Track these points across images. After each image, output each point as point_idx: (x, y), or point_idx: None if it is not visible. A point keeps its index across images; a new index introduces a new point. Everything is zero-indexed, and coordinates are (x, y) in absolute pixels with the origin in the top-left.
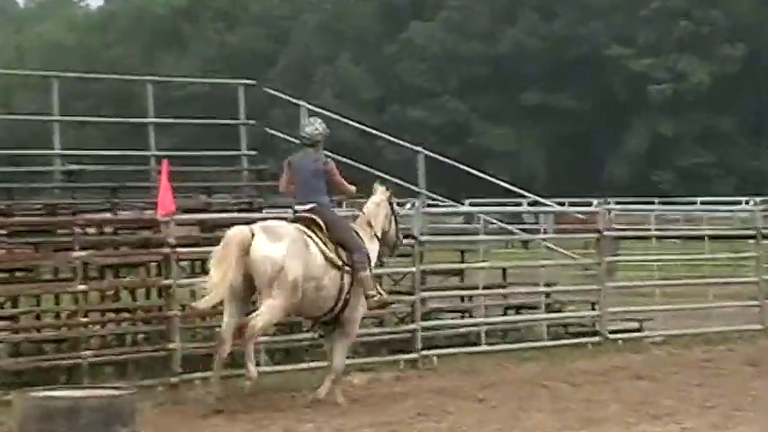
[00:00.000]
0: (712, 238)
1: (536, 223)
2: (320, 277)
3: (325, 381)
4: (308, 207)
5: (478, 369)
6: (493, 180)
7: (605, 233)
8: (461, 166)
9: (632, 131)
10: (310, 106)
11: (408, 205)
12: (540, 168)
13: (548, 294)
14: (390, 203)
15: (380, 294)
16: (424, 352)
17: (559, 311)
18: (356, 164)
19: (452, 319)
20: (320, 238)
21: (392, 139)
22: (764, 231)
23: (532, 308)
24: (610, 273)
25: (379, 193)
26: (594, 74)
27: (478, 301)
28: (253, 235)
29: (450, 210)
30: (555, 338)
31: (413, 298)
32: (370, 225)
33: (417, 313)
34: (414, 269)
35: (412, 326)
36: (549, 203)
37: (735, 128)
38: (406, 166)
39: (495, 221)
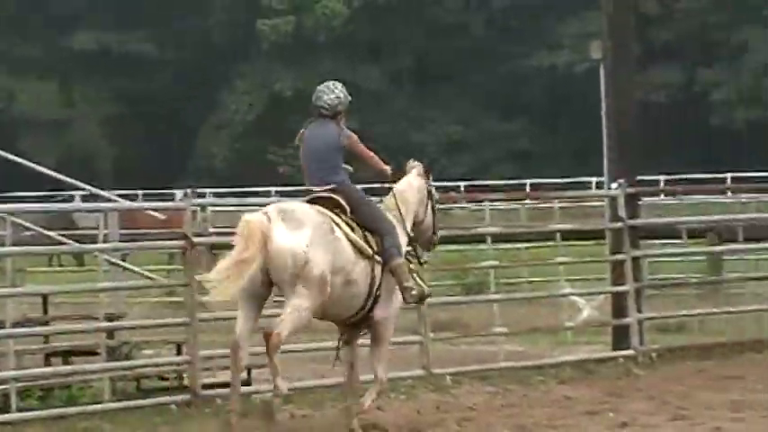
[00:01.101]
0: None
1: (96, 227)
2: (349, 269)
3: (367, 394)
4: (327, 188)
5: None
6: (26, 164)
7: (196, 240)
8: None
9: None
10: None
11: None
12: (102, 146)
13: (111, 332)
14: (429, 188)
15: (420, 286)
16: None
17: (128, 358)
18: None
19: None
20: (345, 222)
21: None
22: None
23: (88, 353)
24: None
25: (414, 173)
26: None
27: (5, 344)
28: (270, 220)
29: None
30: (123, 398)
31: None
32: (398, 209)
33: None
34: None
35: None
36: (113, 197)
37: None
38: None
39: (31, 226)
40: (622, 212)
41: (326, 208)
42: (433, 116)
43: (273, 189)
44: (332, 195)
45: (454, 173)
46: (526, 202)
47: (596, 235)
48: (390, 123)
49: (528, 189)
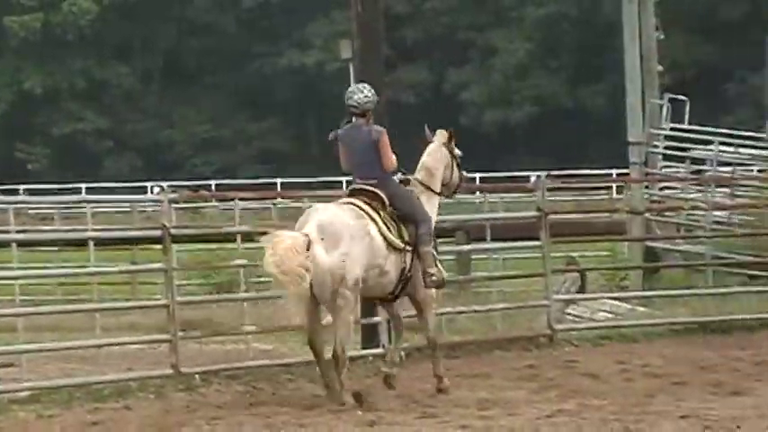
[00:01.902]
0: (103, 242)
1: None
2: (382, 263)
3: (432, 357)
4: (370, 181)
5: None
6: None
7: None
8: None
9: None
10: None
11: None
12: None
13: None
14: (450, 150)
15: (441, 273)
16: None
17: None
18: None
19: None
20: (381, 218)
21: None
22: (176, 231)
23: None
24: None
25: (437, 143)
26: None
27: None
28: (309, 243)
29: None
30: None
31: None
32: (427, 187)
33: None
34: None
35: None
36: None
37: None
38: None
39: None
40: None
41: (365, 202)
42: (184, 115)
43: (22, 187)
44: (373, 189)
45: (205, 171)
46: (277, 201)
47: None
48: (141, 122)
49: (279, 188)
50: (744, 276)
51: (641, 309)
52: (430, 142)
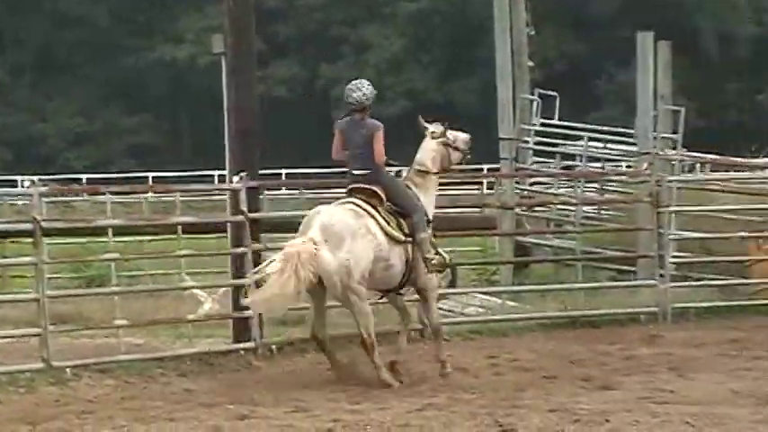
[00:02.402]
0: None
1: None
2: (387, 257)
3: (434, 343)
4: (364, 173)
5: None
6: None
7: None
8: None
9: None
10: None
11: None
12: None
13: None
14: (445, 141)
15: (441, 256)
16: None
17: None
18: None
19: None
20: (381, 214)
21: None
22: (47, 225)
23: None
24: None
25: (428, 139)
26: None
27: None
28: (316, 248)
29: None
30: None
31: None
32: (422, 176)
33: None
34: None
35: None
36: None
37: None
38: None
39: None
40: (244, 206)
41: (364, 200)
42: (56, 108)
43: None
44: (370, 187)
45: (78, 165)
46: (149, 195)
47: (218, 228)
48: (12, 115)
49: (151, 182)
50: (613, 271)
51: (511, 303)
52: (423, 129)
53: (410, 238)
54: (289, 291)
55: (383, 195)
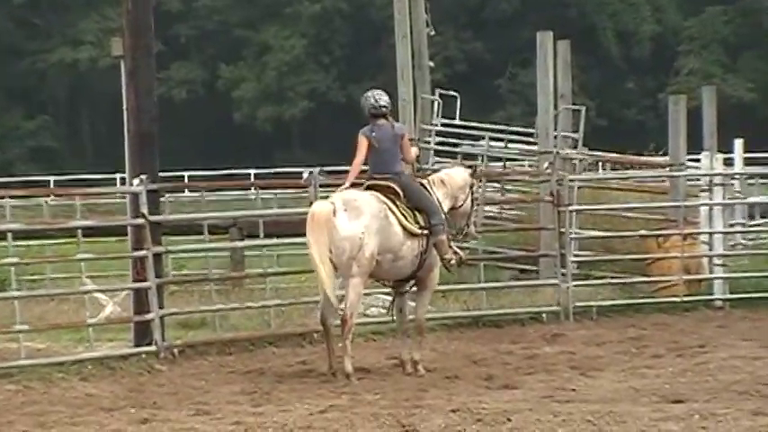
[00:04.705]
0: None
1: None
2: (398, 249)
3: (412, 340)
4: (386, 176)
5: None
6: None
7: None
8: None
9: None
10: None
11: None
12: None
13: None
14: (472, 183)
15: (456, 254)
16: None
17: None
18: None
19: None
20: (398, 207)
21: None
22: None
23: None
24: None
25: (462, 168)
26: None
27: None
28: (335, 211)
29: None
30: None
31: None
32: (443, 184)
33: None
34: None
35: None
36: None
37: None
38: None
39: None
40: (144, 209)
41: (383, 194)
42: None
43: None
44: (389, 183)
45: None
46: (49, 198)
47: (119, 231)
48: None
49: (51, 185)
50: (515, 271)
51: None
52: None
53: (425, 231)
54: (324, 255)
55: (400, 192)
